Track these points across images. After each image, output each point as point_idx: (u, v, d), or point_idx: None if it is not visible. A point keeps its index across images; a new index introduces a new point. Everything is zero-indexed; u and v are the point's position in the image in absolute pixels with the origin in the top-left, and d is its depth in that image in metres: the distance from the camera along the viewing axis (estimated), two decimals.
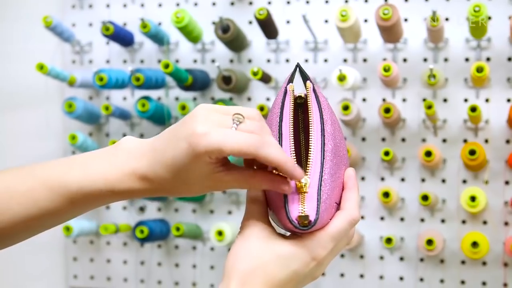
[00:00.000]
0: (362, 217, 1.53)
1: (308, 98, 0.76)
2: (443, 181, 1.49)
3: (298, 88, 0.77)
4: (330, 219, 0.73)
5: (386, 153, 1.42)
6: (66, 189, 0.72)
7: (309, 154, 0.72)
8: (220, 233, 1.51)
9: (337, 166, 0.74)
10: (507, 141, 1.45)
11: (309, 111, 0.75)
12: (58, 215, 0.74)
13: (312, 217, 0.70)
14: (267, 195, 0.74)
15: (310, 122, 0.74)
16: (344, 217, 0.74)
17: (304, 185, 0.71)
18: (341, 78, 1.38)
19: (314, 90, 0.76)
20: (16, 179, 0.74)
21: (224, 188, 0.73)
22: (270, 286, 0.71)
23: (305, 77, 0.77)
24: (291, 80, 0.77)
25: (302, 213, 0.70)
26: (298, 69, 0.78)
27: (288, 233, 0.74)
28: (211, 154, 0.67)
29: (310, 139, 0.73)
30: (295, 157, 0.73)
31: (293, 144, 0.73)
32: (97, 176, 0.72)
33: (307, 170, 0.72)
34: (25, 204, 0.73)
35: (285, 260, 0.71)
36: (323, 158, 0.72)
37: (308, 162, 0.72)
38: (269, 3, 1.57)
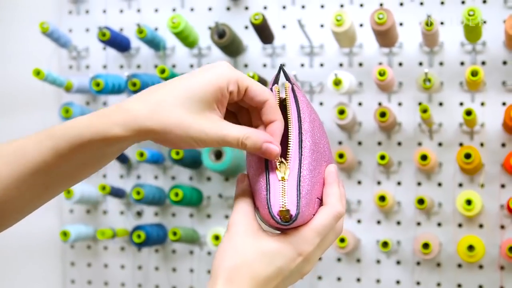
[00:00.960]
0: (359, 221, 1.53)
1: (286, 97, 0.78)
2: (439, 184, 1.49)
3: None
4: (314, 215, 0.74)
5: (382, 157, 1.42)
6: (51, 138, 0.71)
7: (287, 151, 0.74)
8: (217, 237, 1.51)
9: (316, 162, 0.75)
10: (503, 145, 1.45)
11: (288, 110, 0.77)
12: (47, 170, 0.71)
13: (293, 212, 0.71)
14: (253, 193, 0.76)
15: (288, 121, 0.76)
16: (328, 212, 0.75)
17: (285, 169, 0.73)
18: (337, 83, 1.39)
19: (293, 90, 0.78)
20: (9, 142, 0.73)
21: (216, 140, 0.71)
22: (256, 283, 0.72)
23: (286, 78, 0.79)
24: (276, 81, 0.79)
25: (283, 207, 0.71)
26: (281, 70, 0.80)
27: (277, 232, 0.75)
28: (233, 84, 0.72)
29: (289, 137, 0.75)
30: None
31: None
32: (82, 123, 0.70)
33: (286, 166, 0.73)
34: (13, 162, 0.71)
35: (270, 256, 0.72)
36: (301, 155, 0.74)
37: (287, 159, 0.73)
38: (265, 8, 1.58)
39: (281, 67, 0.80)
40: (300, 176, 0.73)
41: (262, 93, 0.74)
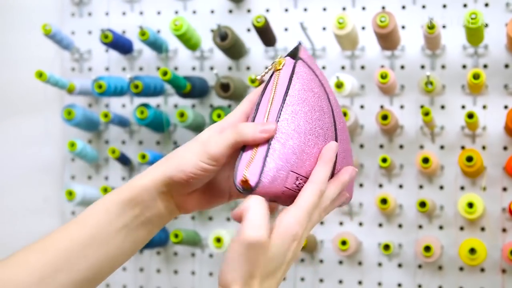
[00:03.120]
0: (360, 224, 1.53)
1: (279, 71, 0.82)
2: (441, 187, 1.49)
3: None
4: (287, 188, 0.76)
5: (384, 160, 1.42)
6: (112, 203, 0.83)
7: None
8: (218, 239, 1.51)
9: (305, 139, 0.78)
10: (505, 148, 1.45)
11: (275, 84, 0.81)
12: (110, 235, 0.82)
13: (252, 182, 0.75)
14: None
15: (272, 94, 0.80)
16: (310, 189, 0.77)
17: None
18: (339, 85, 1.39)
19: (294, 66, 0.82)
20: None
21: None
22: (265, 279, 0.74)
23: (294, 54, 0.86)
24: (291, 54, 0.85)
25: (243, 177, 0.75)
26: (297, 47, 0.85)
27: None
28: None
29: (270, 110, 0.79)
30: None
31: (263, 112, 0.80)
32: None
33: None
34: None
35: (275, 253, 0.74)
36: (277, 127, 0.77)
37: None
38: (267, 10, 1.58)
39: (299, 44, 0.85)
40: (269, 149, 0.76)
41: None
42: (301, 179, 0.77)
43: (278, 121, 0.77)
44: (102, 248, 0.80)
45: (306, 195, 0.76)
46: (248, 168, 0.76)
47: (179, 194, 0.84)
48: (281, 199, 0.78)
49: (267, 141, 0.76)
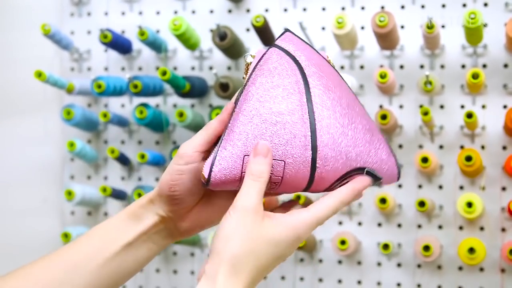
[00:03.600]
0: (359, 224, 1.53)
1: (247, 66, 0.83)
2: (440, 187, 1.49)
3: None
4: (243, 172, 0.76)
5: None
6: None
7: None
8: None
9: (259, 127, 0.76)
10: (504, 147, 1.45)
11: (249, 75, 0.81)
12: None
13: (206, 173, 0.76)
14: None
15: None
16: (333, 202, 0.76)
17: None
18: None
19: (262, 55, 0.81)
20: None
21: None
22: (258, 270, 0.73)
23: (270, 42, 0.84)
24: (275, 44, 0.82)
25: (202, 170, 0.77)
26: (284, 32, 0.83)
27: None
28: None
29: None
30: None
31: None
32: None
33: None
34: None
35: (275, 245, 0.73)
36: (232, 119, 0.77)
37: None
38: (266, 10, 1.58)
39: (283, 32, 0.83)
40: (222, 140, 0.77)
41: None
42: None
43: (235, 104, 0.78)
44: (106, 264, 0.81)
45: (326, 209, 0.76)
46: (206, 161, 0.77)
47: (177, 214, 0.84)
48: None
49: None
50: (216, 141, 0.80)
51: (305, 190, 0.80)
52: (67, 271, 0.80)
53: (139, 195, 1.51)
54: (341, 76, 0.83)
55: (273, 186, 0.78)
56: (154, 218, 0.83)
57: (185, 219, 0.85)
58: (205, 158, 0.80)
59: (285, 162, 0.76)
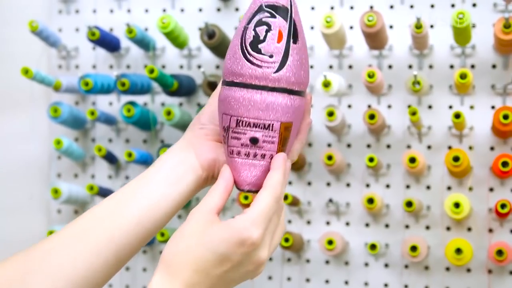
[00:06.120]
0: (347, 224, 1.53)
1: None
2: (428, 187, 1.49)
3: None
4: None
5: (371, 160, 1.42)
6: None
7: None
8: None
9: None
10: (491, 148, 1.45)
11: None
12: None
13: None
14: None
15: None
16: (268, 194, 0.75)
17: None
18: (326, 84, 1.39)
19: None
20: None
21: None
22: (197, 268, 0.72)
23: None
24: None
25: None
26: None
27: None
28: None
29: None
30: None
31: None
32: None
33: None
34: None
35: (212, 243, 0.72)
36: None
37: None
38: None
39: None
40: None
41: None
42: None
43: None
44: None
45: (262, 199, 0.75)
46: None
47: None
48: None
49: None
50: None
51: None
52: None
53: None
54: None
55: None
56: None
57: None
58: None
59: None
